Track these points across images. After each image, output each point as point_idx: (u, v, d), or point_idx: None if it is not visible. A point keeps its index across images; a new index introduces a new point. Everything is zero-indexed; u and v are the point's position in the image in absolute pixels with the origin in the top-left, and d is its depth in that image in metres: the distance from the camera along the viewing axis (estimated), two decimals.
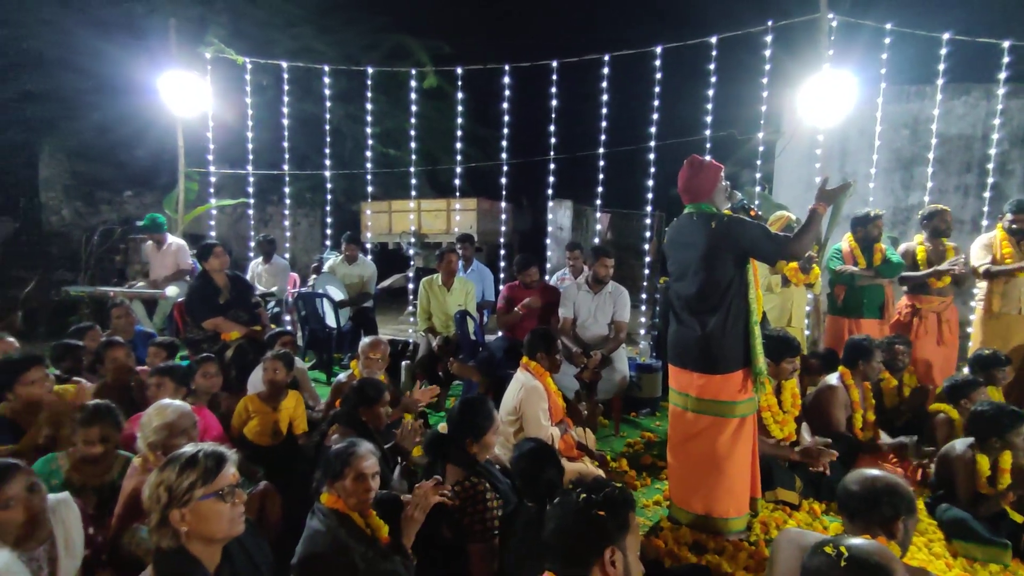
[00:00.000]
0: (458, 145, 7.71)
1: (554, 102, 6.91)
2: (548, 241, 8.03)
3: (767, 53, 5.89)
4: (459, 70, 7.21)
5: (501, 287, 5.86)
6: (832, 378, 3.83)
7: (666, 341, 5.41)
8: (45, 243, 9.82)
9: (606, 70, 6.56)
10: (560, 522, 1.55)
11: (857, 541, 1.46)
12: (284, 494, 2.73)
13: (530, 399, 3.17)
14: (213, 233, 7.37)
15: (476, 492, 2.30)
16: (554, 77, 6.82)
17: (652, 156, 6.53)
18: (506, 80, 6.98)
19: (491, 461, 2.79)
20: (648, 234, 7.32)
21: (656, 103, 6.40)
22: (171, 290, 6.23)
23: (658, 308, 6.04)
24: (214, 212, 7.45)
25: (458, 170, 7.72)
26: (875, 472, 1.93)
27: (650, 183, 6.67)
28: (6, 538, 1.84)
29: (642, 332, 6.62)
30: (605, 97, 6.69)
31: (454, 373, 4.53)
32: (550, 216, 8.86)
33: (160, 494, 1.60)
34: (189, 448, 1.70)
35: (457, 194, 8.01)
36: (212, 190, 7.39)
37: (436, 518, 2.26)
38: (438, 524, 2.31)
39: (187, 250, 6.59)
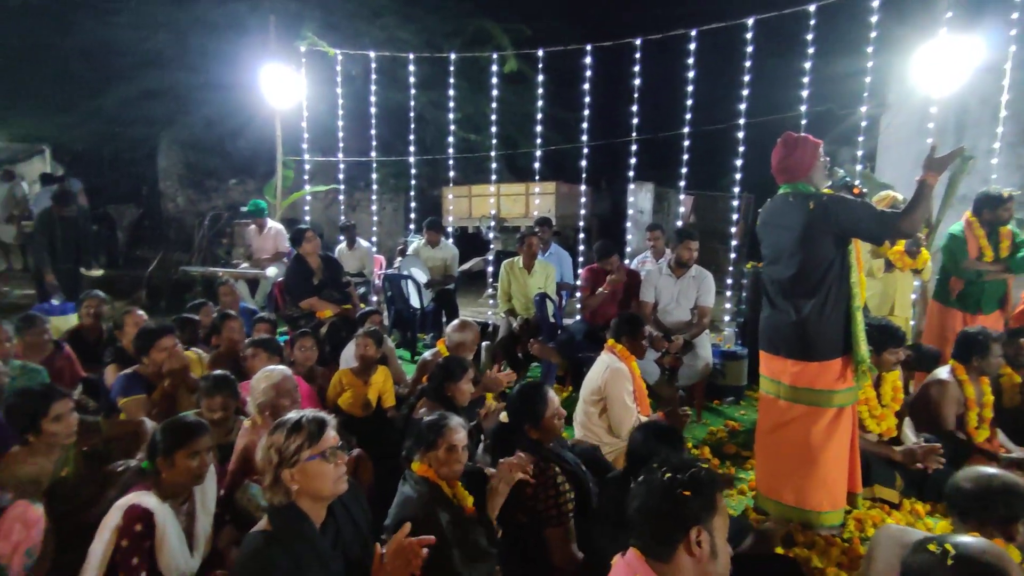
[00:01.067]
0: (538, 128, 7.70)
1: (637, 81, 6.73)
2: (628, 225, 7.89)
3: (873, 20, 5.42)
4: (540, 52, 7.17)
5: (581, 270, 5.85)
6: (942, 371, 3.53)
7: (753, 328, 5.22)
8: (164, 227, 10.87)
9: (693, 45, 6.31)
10: (645, 500, 1.54)
11: (965, 539, 1.36)
12: (374, 462, 2.92)
13: (615, 380, 3.16)
14: (308, 218, 7.84)
15: (547, 477, 2.32)
16: (637, 55, 6.64)
17: (741, 135, 6.23)
18: (587, 60, 6.88)
19: (562, 442, 2.82)
20: (735, 217, 7.01)
21: (747, 78, 6.08)
22: (271, 270, 6.71)
23: (745, 294, 5.80)
24: (308, 198, 7.89)
25: (538, 154, 7.72)
26: (991, 469, 1.78)
27: (739, 163, 6.37)
28: (176, 489, 2.10)
29: (726, 319, 6.38)
30: (691, 74, 6.43)
31: (534, 354, 4.58)
32: (631, 199, 8.68)
33: (272, 456, 1.75)
34: (294, 414, 1.85)
35: (536, 178, 8.01)
36: (307, 177, 7.84)
37: (511, 503, 2.31)
38: (513, 510, 2.35)
39: (285, 233, 7.04)
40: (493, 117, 7.70)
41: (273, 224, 7.07)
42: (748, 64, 6.05)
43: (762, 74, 6.20)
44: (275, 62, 7.25)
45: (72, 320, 5.00)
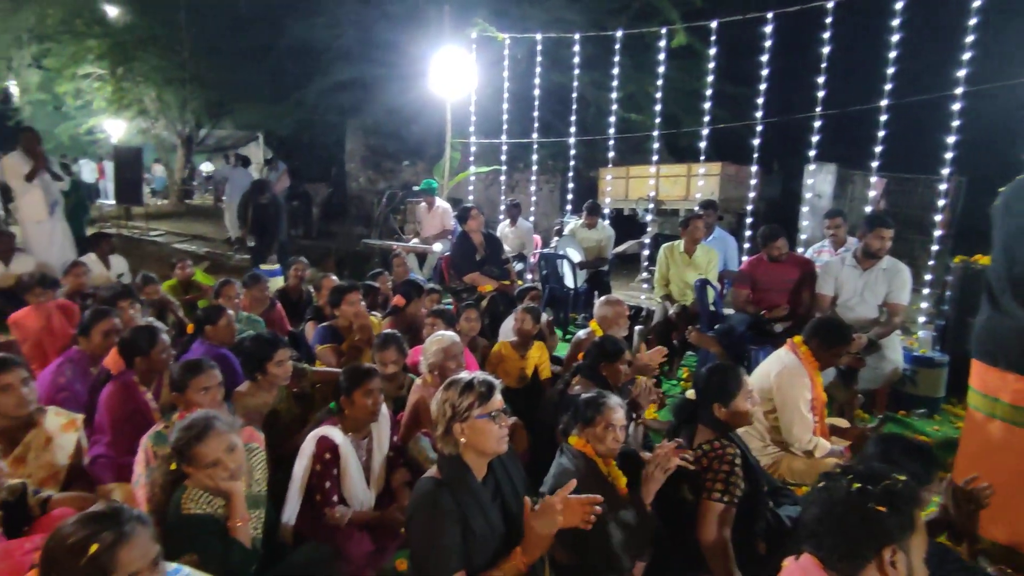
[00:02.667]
0: (706, 105, 7.27)
1: (826, 49, 6.03)
2: (804, 209, 7.16)
3: None
4: (713, 24, 6.73)
5: (744, 258, 5.46)
6: None
7: (956, 332, 4.50)
8: (349, 204, 12.22)
9: (899, 4, 5.48)
10: (828, 509, 1.42)
11: None
12: (528, 431, 3.06)
13: (792, 383, 2.88)
14: (471, 197, 8.29)
15: (724, 453, 2.24)
16: (828, 20, 5.94)
17: (957, 107, 5.30)
18: (767, 29, 6.32)
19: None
20: (941, 203, 6.01)
21: (969, 39, 5.14)
22: (437, 246, 7.23)
23: (949, 293, 5.00)
24: (472, 178, 8.35)
25: (704, 132, 7.29)
26: None
27: (950, 141, 5.44)
28: (357, 424, 2.46)
29: (922, 320, 5.55)
30: (895, 38, 5.60)
31: (692, 342, 4.42)
32: (809, 181, 7.86)
33: (445, 409, 1.92)
34: (466, 375, 2.00)
35: (702, 158, 7.59)
36: (472, 158, 8.27)
37: (676, 478, 2.27)
38: (679, 484, 2.31)
39: (450, 211, 7.52)
40: (658, 95, 7.42)
41: (441, 203, 7.58)
42: (973, 22, 5.11)
43: (990, 34, 5.19)
44: (448, 49, 7.71)
45: (279, 282, 5.87)
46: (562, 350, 5.20)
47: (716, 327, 4.51)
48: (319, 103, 11.44)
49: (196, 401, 2.37)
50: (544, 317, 4.50)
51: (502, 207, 8.30)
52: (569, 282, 6.19)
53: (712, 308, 4.77)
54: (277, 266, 6.68)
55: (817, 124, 6.29)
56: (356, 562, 2.31)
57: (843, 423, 3.32)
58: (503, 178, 8.64)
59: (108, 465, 2.56)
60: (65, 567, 1.22)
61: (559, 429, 2.49)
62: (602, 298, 3.89)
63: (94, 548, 1.22)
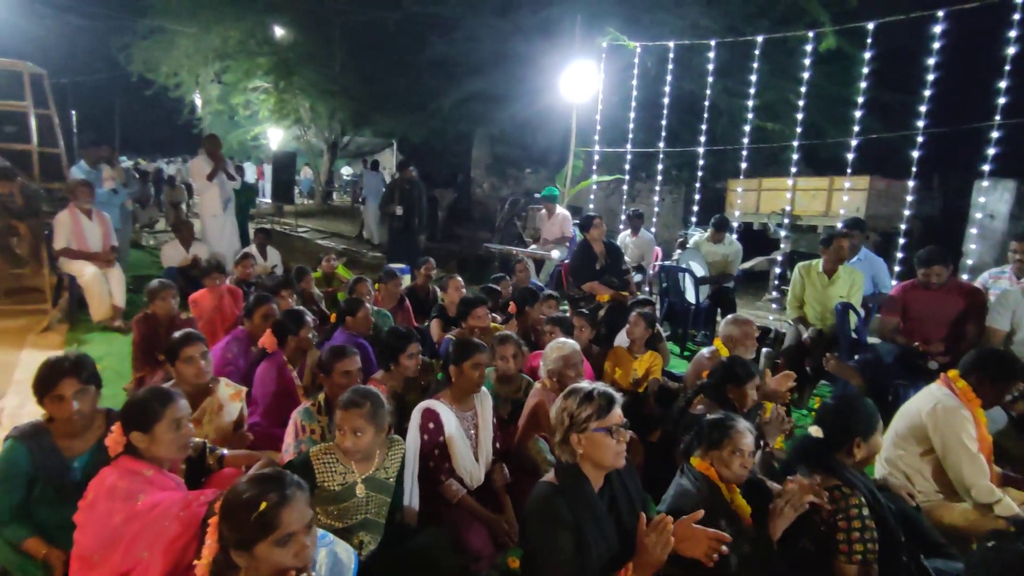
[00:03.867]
0: (857, 114, 6.67)
1: (1011, 50, 5.29)
2: (972, 231, 6.31)
3: None
4: (870, 25, 6.17)
5: (894, 282, 4.94)
6: None
7: None
8: (472, 209, 12.73)
9: None
10: (998, 573, 1.26)
11: None
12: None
13: (950, 419, 2.57)
14: (591, 206, 8.27)
15: (849, 506, 2.04)
16: (1016, 16, 5.22)
17: None
18: (936, 30, 5.68)
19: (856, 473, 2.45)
20: None
21: None
22: (555, 253, 7.31)
23: None
24: (594, 187, 8.33)
25: (853, 143, 6.69)
26: None
27: None
28: (462, 395, 2.67)
29: None
30: None
31: (829, 370, 4.07)
32: (980, 199, 6.92)
33: (563, 418, 1.94)
34: (587, 385, 2.01)
35: (848, 171, 6.97)
36: (594, 167, 8.26)
37: (799, 525, 2.11)
38: (800, 533, 2.14)
39: (570, 219, 7.57)
40: (800, 103, 6.94)
41: (561, 210, 7.65)
42: None
43: None
44: (577, 60, 7.78)
45: (406, 280, 6.26)
46: (678, 366, 5.03)
47: (858, 356, 4.12)
48: (452, 113, 12.06)
49: (339, 383, 2.62)
50: (659, 327, 4.40)
51: (623, 216, 8.20)
52: (690, 297, 5.97)
53: (854, 335, 4.36)
54: (405, 265, 7.13)
55: (995, 135, 5.53)
56: (474, 548, 2.40)
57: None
58: (625, 187, 8.54)
59: (262, 433, 2.88)
60: (239, 519, 1.40)
61: (680, 448, 2.42)
62: (729, 316, 3.72)
63: (263, 506, 1.38)
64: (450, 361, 2.69)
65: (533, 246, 7.89)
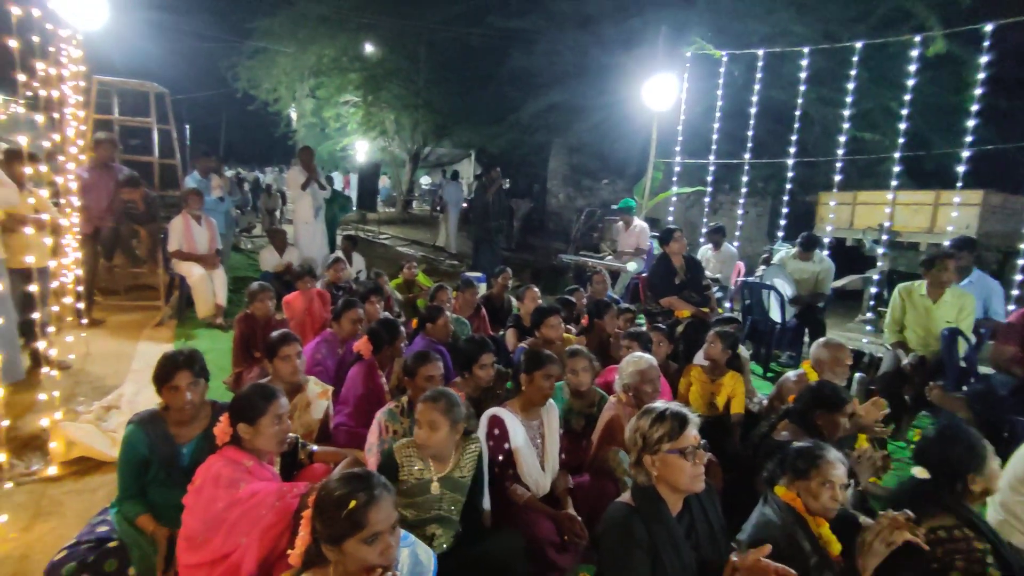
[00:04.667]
0: (969, 123, 6.13)
1: None
2: None
3: None
4: (988, 27, 5.68)
5: (1011, 307, 4.48)
6: None
7: None
8: (548, 219, 12.78)
9: None
10: None
11: None
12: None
13: None
14: (671, 218, 8.09)
15: (971, 549, 1.87)
16: None
17: None
18: None
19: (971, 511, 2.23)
20: None
21: None
22: (631, 265, 7.20)
23: None
24: (674, 199, 8.14)
25: (965, 154, 6.16)
26: None
27: None
28: (530, 404, 2.69)
29: None
30: None
31: (932, 401, 3.75)
32: None
33: (637, 439, 1.91)
34: (660, 405, 1.96)
35: (958, 184, 6.41)
36: (675, 178, 8.08)
37: (902, 565, 1.96)
38: (895, 569, 1.99)
39: (647, 232, 7.44)
40: (904, 111, 6.48)
41: (638, 222, 7.53)
42: None
43: None
44: (660, 70, 7.67)
45: (482, 289, 6.37)
46: (760, 388, 4.81)
47: (967, 387, 3.78)
48: (531, 124, 12.21)
49: (422, 387, 2.71)
50: (743, 351, 4.22)
51: (703, 230, 7.96)
52: (775, 316, 5.69)
53: (962, 364, 4.00)
54: (482, 274, 7.27)
55: None
56: (543, 543, 2.41)
57: None
58: (707, 200, 8.28)
59: (347, 432, 3.03)
60: (330, 515, 1.47)
61: (762, 476, 2.31)
62: (821, 339, 3.52)
63: (352, 504, 1.46)
64: (521, 370, 2.73)
65: (609, 258, 7.82)
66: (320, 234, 7.29)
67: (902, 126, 6.56)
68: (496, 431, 2.62)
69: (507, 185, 8.21)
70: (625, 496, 1.97)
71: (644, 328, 4.88)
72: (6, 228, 3.51)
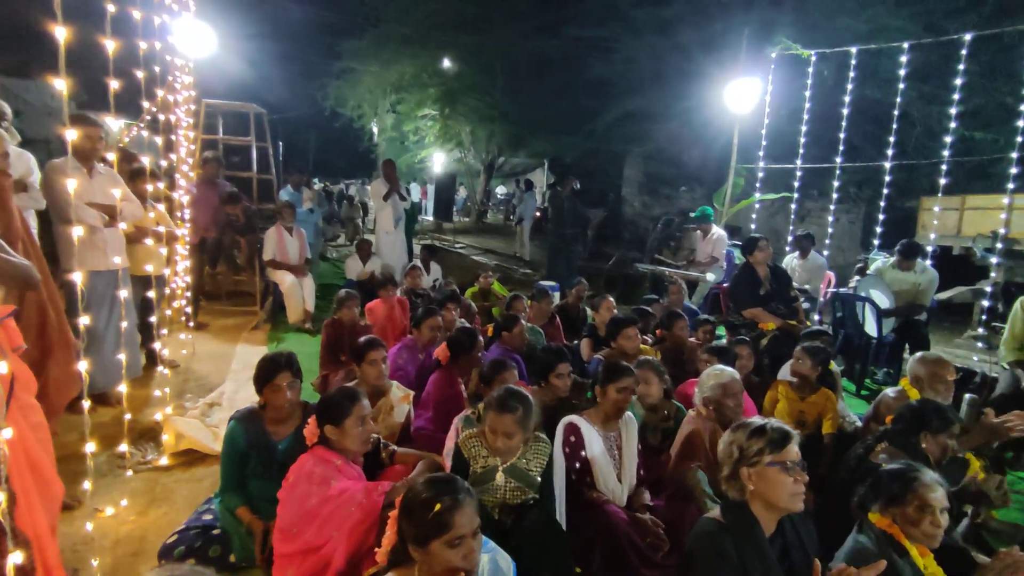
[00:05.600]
0: None
1: None
2: None
3: None
4: None
5: None
6: None
7: None
8: (622, 228, 12.61)
9: None
10: None
11: None
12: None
13: None
14: (753, 226, 7.75)
15: None
16: None
17: None
18: None
19: None
20: None
21: None
22: (710, 275, 6.96)
23: None
24: (757, 206, 7.80)
25: None
26: None
27: None
28: (605, 416, 2.66)
29: None
30: None
31: None
32: None
33: (732, 451, 1.84)
34: (759, 419, 1.89)
35: None
36: (758, 185, 7.74)
37: None
38: None
39: (725, 240, 7.17)
40: (1022, 107, 5.89)
41: (717, 230, 7.28)
42: None
43: None
44: (743, 73, 7.40)
45: (556, 298, 6.37)
46: (853, 407, 4.50)
47: None
48: (606, 132, 12.14)
49: None
50: (834, 367, 3.97)
51: (789, 238, 7.57)
52: (871, 329, 5.31)
53: None
54: (556, 283, 7.27)
55: None
56: (623, 544, 2.38)
57: None
58: (793, 206, 7.87)
59: (426, 436, 3.12)
60: (416, 516, 1.52)
61: (855, 500, 2.17)
62: (919, 354, 3.26)
63: (438, 507, 1.50)
64: (597, 382, 2.72)
65: (686, 267, 7.60)
66: (400, 243, 7.57)
67: (1020, 123, 5.96)
68: (572, 438, 2.62)
69: (578, 187, 8.21)
70: (715, 512, 1.91)
71: (724, 341, 4.72)
72: (131, 240, 3.90)
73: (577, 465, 2.59)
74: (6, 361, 1.68)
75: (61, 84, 1.88)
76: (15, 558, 1.42)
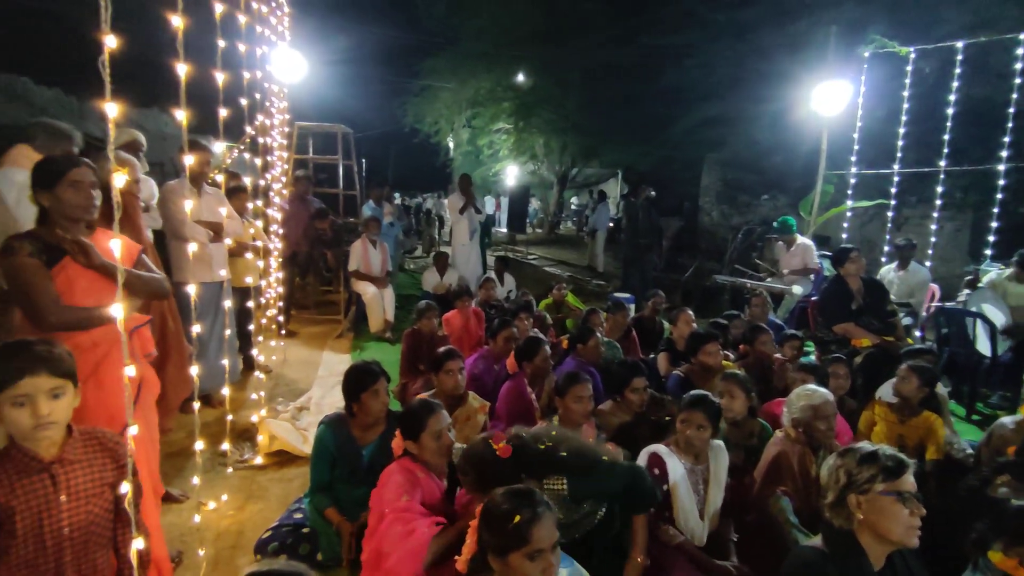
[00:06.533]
0: None
1: None
2: None
3: None
4: None
5: None
6: None
7: None
8: (698, 239, 12.24)
9: None
10: None
11: None
12: None
13: None
14: (844, 235, 7.29)
15: None
16: None
17: None
18: None
19: None
20: None
21: None
22: (797, 288, 6.59)
23: None
24: (848, 214, 7.34)
25: None
26: None
27: None
28: (686, 445, 2.51)
29: None
30: None
31: None
32: None
33: (839, 476, 1.73)
34: (869, 445, 1.77)
35: None
36: (850, 192, 7.30)
37: None
38: None
39: (813, 251, 6.78)
40: None
41: (802, 240, 6.90)
42: None
43: None
44: (831, 75, 7.02)
45: (631, 310, 6.25)
46: (963, 433, 4.11)
47: None
48: (682, 140, 11.88)
49: (571, 407, 2.75)
50: (941, 389, 3.65)
51: (885, 248, 7.06)
52: (983, 348, 4.85)
53: None
54: (631, 295, 7.15)
55: None
56: None
57: None
58: (890, 214, 7.34)
59: None
60: (497, 527, 1.54)
61: (971, 537, 1.98)
62: None
63: (517, 519, 1.51)
64: (679, 407, 2.58)
65: (770, 279, 7.25)
66: (475, 255, 7.72)
67: None
68: (656, 470, 2.48)
69: (652, 194, 8.09)
70: (816, 540, 1.80)
71: (813, 357, 4.47)
72: (233, 254, 4.24)
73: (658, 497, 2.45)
74: (136, 366, 1.88)
75: (181, 115, 2.08)
76: (137, 544, 1.56)
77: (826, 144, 7.48)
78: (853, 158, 7.14)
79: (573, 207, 24.33)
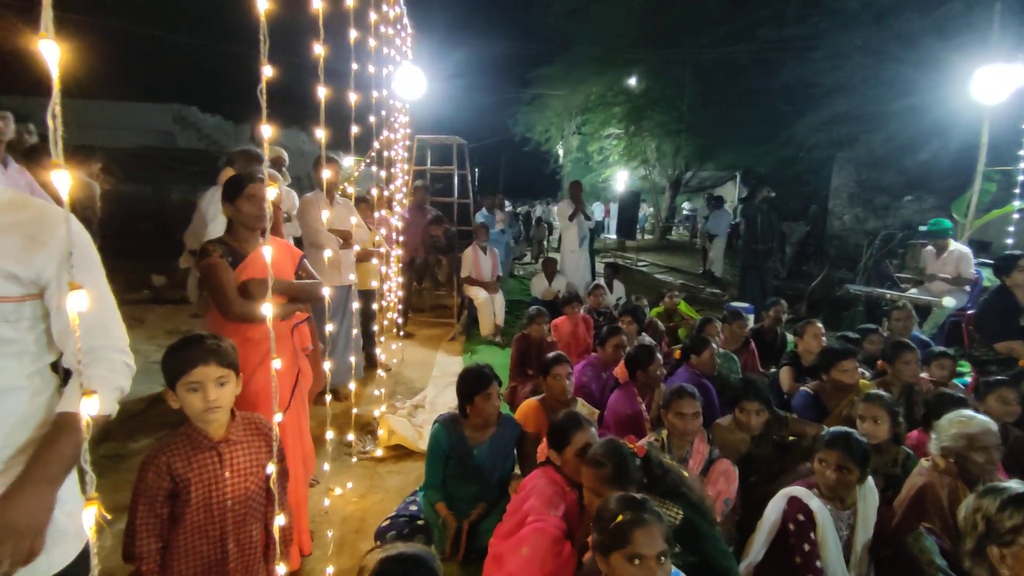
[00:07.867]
0: None
1: None
2: None
3: None
4: None
5: None
6: None
7: None
8: (827, 244, 11.27)
9: None
10: None
11: None
12: None
13: None
14: (1010, 240, 6.38)
15: None
16: None
17: None
18: None
19: None
20: None
21: None
22: (948, 300, 5.86)
23: None
24: (1015, 216, 6.40)
25: None
26: None
27: None
28: (829, 491, 2.26)
29: None
30: None
31: None
32: None
33: (976, 521, 1.54)
34: (1017, 485, 1.56)
35: None
36: (1017, 191, 6.37)
37: None
38: None
39: (969, 258, 6.00)
40: None
41: (956, 246, 6.12)
42: None
43: None
44: (995, 59, 6.18)
45: (750, 320, 5.90)
46: None
47: None
48: (808, 139, 11.03)
49: (674, 423, 2.65)
50: None
51: None
52: None
53: None
54: (749, 304, 6.75)
55: None
56: None
57: None
58: None
59: None
60: (601, 526, 1.59)
61: None
62: None
63: (620, 519, 1.55)
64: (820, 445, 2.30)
65: (913, 290, 6.50)
66: (584, 262, 7.71)
67: None
68: (800, 516, 2.21)
69: (772, 195, 7.61)
70: None
71: (969, 379, 3.96)
72: (360, 259, 4.59)
73: (806, 547, 2.18)
74: (296, 359, 2.10)
75: (320, 133, 2.31)
76: (279, 520, 1.74)
77: (987, 137, 6.59)
78: (1022, 152, 6.23)
79: (685, 212, 23.46)
